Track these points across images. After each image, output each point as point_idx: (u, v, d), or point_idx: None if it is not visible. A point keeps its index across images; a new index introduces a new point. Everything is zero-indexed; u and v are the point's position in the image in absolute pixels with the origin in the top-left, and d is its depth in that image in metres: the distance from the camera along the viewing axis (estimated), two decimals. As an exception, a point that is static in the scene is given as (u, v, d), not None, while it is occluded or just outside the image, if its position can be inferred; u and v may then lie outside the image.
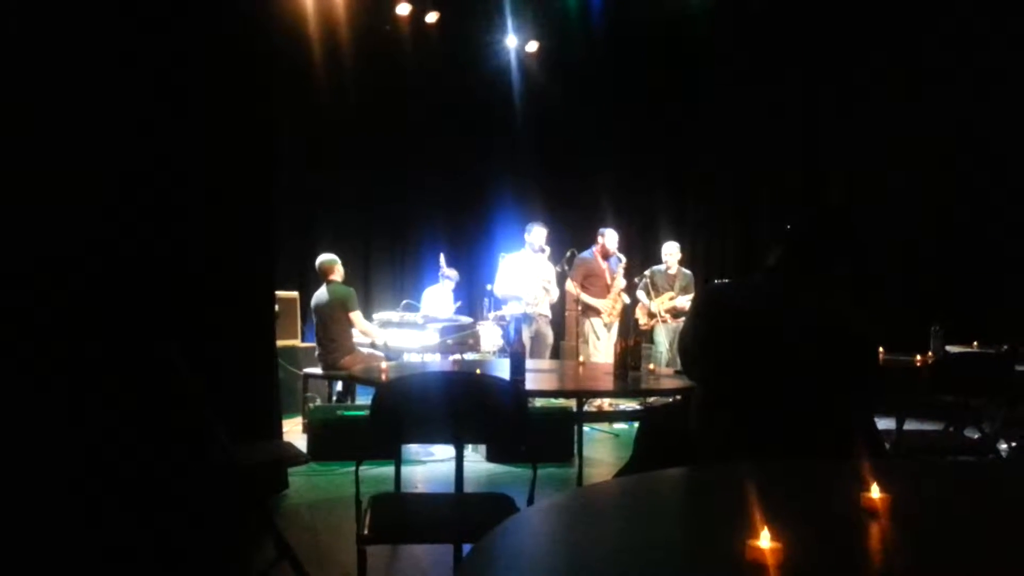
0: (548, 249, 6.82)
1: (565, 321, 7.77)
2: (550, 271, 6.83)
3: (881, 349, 4.11)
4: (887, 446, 3.26)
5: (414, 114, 8.59)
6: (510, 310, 6.69)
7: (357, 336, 6.09)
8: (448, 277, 7.21)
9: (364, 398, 6.02)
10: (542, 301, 6.75)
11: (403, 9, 8.02)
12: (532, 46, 8.90)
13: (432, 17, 8.16)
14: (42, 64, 3.03)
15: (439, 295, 7.20)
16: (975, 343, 5.16)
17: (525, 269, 6.70)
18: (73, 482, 2.89)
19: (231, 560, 3.23)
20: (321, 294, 6.01)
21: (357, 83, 8.00)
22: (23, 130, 2.94)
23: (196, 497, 3.21)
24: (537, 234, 6.75)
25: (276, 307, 5.53)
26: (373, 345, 6.21)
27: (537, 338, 6.68)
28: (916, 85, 7.29)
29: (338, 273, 6.08)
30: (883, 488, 1.32)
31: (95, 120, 3.15)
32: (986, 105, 7.03)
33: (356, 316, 5.98)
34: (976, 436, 3.79)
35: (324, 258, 6.14)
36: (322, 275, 6.08)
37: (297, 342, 6.90)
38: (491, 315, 7.01)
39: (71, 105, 3.10)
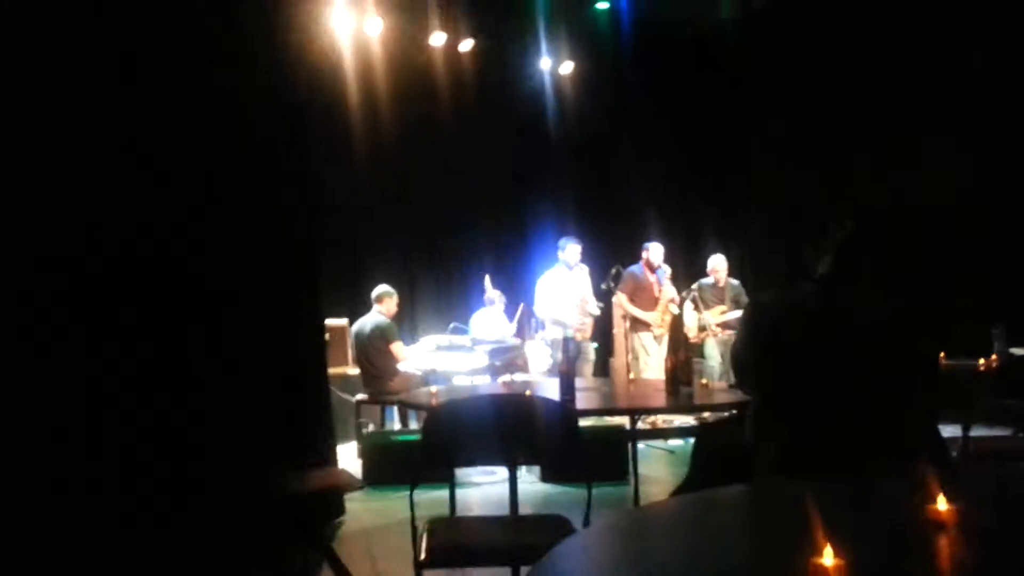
0: (586, 267, 6.78)
1: (613, 338, 7.71)
2: (588, 286, 6.78)
3: (942, 354, 4.00)
4: (953, 454, 3.16)
5: (451, 140, 8.67)
6: (549, 334, 6.68)
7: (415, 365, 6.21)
8: (491, 300, 7.22)
9: (416, 423, 6.05)
10: (587, 327, 6.72)
11: (437, 39, 8.14)
12: (567, 67, 8.93)
13: (466, 45, 8.26)
14: (102, 106, 3.14)
15: (489, 318, 7.21)
16: (1040, 344, 4.98)
17: (562, 288, 6.68)
18: (123, 510, 2.95)
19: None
20: (363, 324, 6.15)
21: (394, 112, 8.12)
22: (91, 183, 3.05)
23: (252, 527, 3.26)
24: (571, 251, 6.72)
25: (327, 335, 5.64)
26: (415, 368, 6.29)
27: (578, 355, 6.63)
28: (972, 80, 7.11)
29: (387, 305, 6.23)
30: (949, 499, 1.28)
31: (148, 149, 3.25)
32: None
33: (397, 347, 6.11)
34: (1047, 441, 3.65)
35: (382, 288, 6.33)
36: (375, 302, 6.25)
37: (348, 369, 6.98)
38: (538, 335, 7.00)
39: (126, 148, 3.20)
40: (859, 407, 2.05)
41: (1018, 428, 3.97)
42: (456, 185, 8.77)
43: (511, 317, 7.41)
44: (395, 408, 6.25)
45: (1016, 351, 4.78)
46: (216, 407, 3.21)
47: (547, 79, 9.02)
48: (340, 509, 4.38)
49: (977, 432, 3.53)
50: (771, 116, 8.35)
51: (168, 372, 3.21)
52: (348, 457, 5.73)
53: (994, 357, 4.50)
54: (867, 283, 2.21)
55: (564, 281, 6.69)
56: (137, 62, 3.26)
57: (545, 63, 8.87)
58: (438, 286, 9.02)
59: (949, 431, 3.21)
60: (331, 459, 4.44)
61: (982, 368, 4.23)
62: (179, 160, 3.39)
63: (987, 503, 1.51)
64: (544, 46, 8.74)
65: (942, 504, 1.28)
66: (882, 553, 1.21)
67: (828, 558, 1.05)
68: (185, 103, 3.44)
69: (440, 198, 8.75)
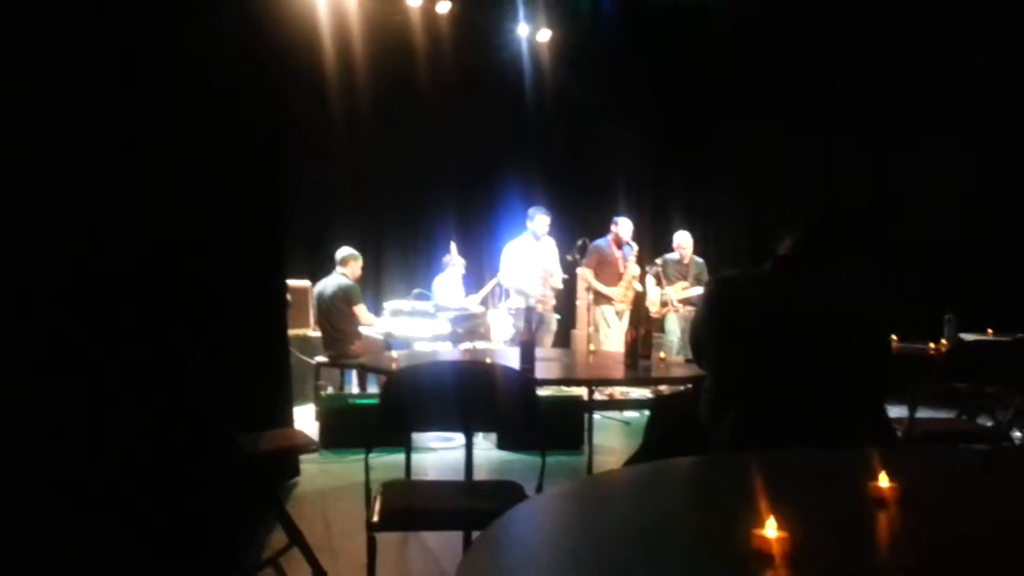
0: (553, 239, 6.78)
1: (575, 310, 7.76)
2: (554, 258, 6.78)
3: (894, 337, 4.09)
4: (899, 434, 3.25)
5: (425, 104, 8.57)
6: (513, 303, 6.67)
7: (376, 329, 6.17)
8: (446, 264, 7.19)
9: (375, 387, 6.05)
10: (549, 299, 6.73)
11: (415, 0, 8.00)
12: (544, 35, 8.85)
13: (444, 7, 8.13)
14: (53, 62, 3.03)
15: (448, 283, 7.19)
16: (989, 331, 5.12)
17: (528, 258, 6.67)
18: (75, 472, 2.91)
19: (242, 547, 3.26)
20: (325, 285, 6.08)
21: (367, 73, 8.00)
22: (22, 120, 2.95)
23: (205, 485, 3.24)
24: (540, 221, 6.69)
25: (288, 296, 5.57)
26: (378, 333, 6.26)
27: (541, 325, 6.65)
28: (924, 73, 7.22)
29: (351, 268, 6.15)
30: (892, 477, 1.31)
31: (97, 108, 3.15)
32: (1000, 89, 6.96)
33: (360, 310, 6.06)
34: (989, 424, 3.77)
35: (345, 251, 6.23)
36: (339, 265, 6.16)
37: (309, 331, 6.93)
38: (501, 304, 7.01)
39: (76, 100, 3.10)
40: (810, 386, 2.08)
41: (963, 411, 4.09)
42: (427, 149, 8.69)
43: (469, 284, 7.40)
44: (354, 372, 6.23)
45: (966, 337, 4.91)
46: (177, 370, 3.16)
47: (524, 46, 8.93)
48: (295, 470, 4.37)
49: (923, 414, 3.63)
50: (752, 94, 8.37)
51: (125, 332, 3.15)
52: (306, 419, 5.71)
53: (944, 342, 4.62)
54: (824, 266, 2.24)
55: (530, 251, 6.68)
56: (102, 19, 3.15)
57: (523, 30, 8.77)
58: (404, 251, 8.97)
59: (896, 412, 3.30)
60: (288, 420, 4.42)
61: (931, 352, 4.35)
62: (142, 117, 3.30)
63: (928, 482, 1.55)
64: (522, 12, 8.64)
65: (884, 482, 1.31)
66: (824, 527, 1.24)
67: (771, 530, 1.07)
68: (153, 59, 3.34)
69: (410, 162, 8.66)
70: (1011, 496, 1.51)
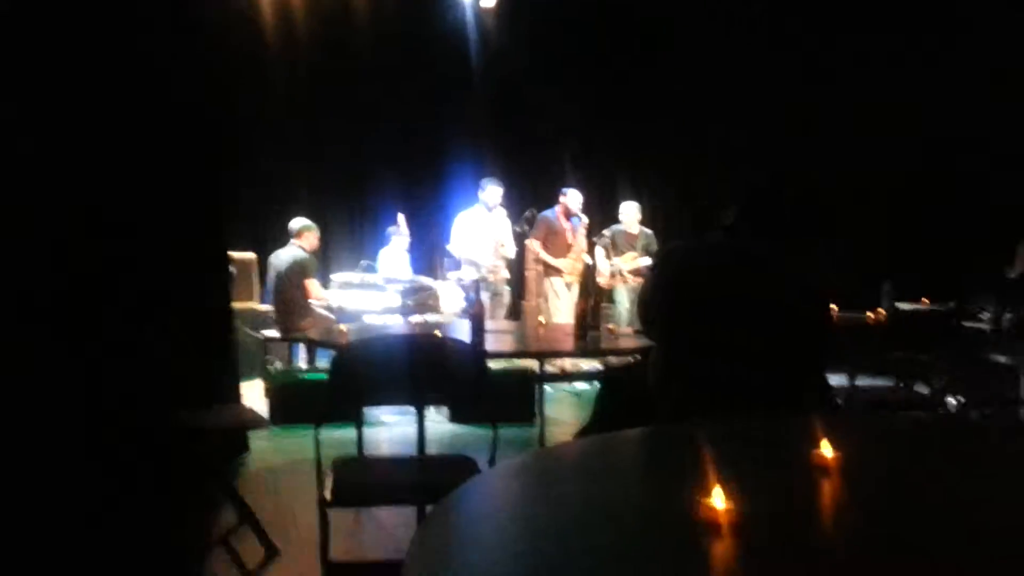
0: (505, 210, 6.74)
1: (525, 281, 7.77)
2: (506, 229, 6.76)
3: (834, 306, 4.20)
4: (839, 401, 3.35)
5: (368, 71, 8.41)
6: (466, 274, 6.64)
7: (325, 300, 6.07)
8: (391, 234, 7.11)
9: (324, 361, 5.98)
10: (500, 269, 6.72)
11: (357, -37, 7.81)
12: (489, 1, 8.72)
13: (387, -29, 7.95)
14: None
15: (393, 255, 7.12)
16: (924, 300, 5.29)
17: (479, 228, 6.64)
18: (21, 446, 2.83)
19: (191, 525, 3.21)
20: (281, 257, 5.92)
21: (309, 39, 7.81)
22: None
23: (152, 462, 3.18)
24: (491, 192, 6.65)
25: (232, 269, 5.44)
26: (328, 308, 6.15)
27: (494, 298, 6.66)
28: (868, 49, 7.37)
29: (307, 240, 5.97)
30: (834, 445, 1.35)
31: (44, 80, 3.03)
32: (935, 67, 7.15)
33: (312, 284, 5.91)
34: (926, 391, 3.91)
35: (301, 222, 6.02)
36: (293, 237, 5.96)
37: (256, 304, 6.80)
38: (450, 275, 6.98)
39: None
40: (754, 354, 2.13)
41: (900, 379, 4.23)
42: (372, 118, 8.54)
43: (415, 255, 7.34)
44: (302, 346, 6.13)
45: (902, 306, 5.07)
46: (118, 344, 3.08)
47: (468, 13, 8.79)
48: (244, 447, 4.31)
49: (862, 382, 3.75)
50: (698, 62, 8.41)
51: (68, 306, 3.05)
52: (254, 395, 5.63)
53: (881, 311, 4.76)
54: (768, 235, 2.28)
55: (482, 222, 6.64)
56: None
57: (467, -6, 8.63)
58: (351, 222, 8.84)
59: (836, 380, 3.39)
60: (235, 396, 4.35)
61: (870, 321, 4.48)
62: (77, 78, 3.17)
63: (870, 450, 1.60)
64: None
65: (826, 449, 1.35)
66: (768, 496, 1.27)
67: (718, 500, 1.09)
68: (95, 26, 3.20)
69: (356, 131, 8.51)
70: (947, 462, 1.57)
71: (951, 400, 4.23)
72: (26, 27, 2.99)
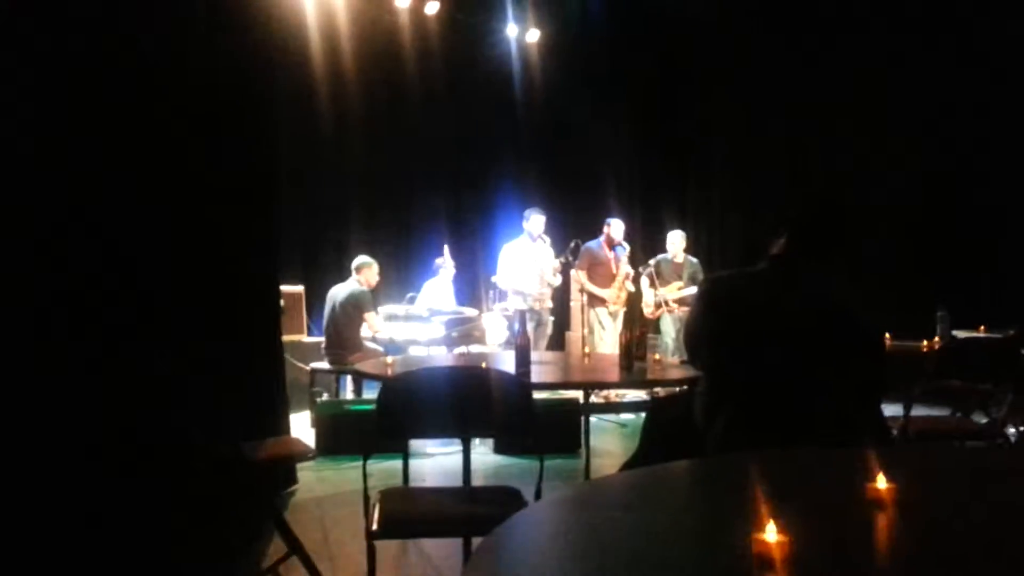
0: (548, 239, 6.77)
1: (570, 311, 7.76)
2: (550, 259, 6.79)
3: (887, 335, 4.11)
4: (894, 432, 3.26)
5: (415, 106, 8.57)
6: (513, 305, 6.67)
7: (364, 331, 6.16)
8: (439, 267, 7.18)
9: (371, 392, 6.04)
10: (546, 298, 6.74)
11: (403, 1, 8.00)
12: (533, 35, 8.85)
13: (432, 8, 8.13)
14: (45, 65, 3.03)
15: (438, 287, 7.19)
16: (981, 328, 5.14)
17: (525, 258, 6.67)
18: (74, 478, 2.90)
19: (240, 557, 3.25)
20: (340, 290, 6.12)
21: (357, 75, 7.99)
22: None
23: (203, 495, 3.23)
24: (535, 222, 6.70)
25: (282, 302, 5.56)
26: (374, 339, 6.25)
27: (538, 328, 6.66)
28: (921, 72, 7.26)
29: (366, 275, 6.21)
30: (888, 478, 1.32)
31: (93, 116, 3.15)
32: (990, 85, 7.01)
33: (371, 316, 6.11)
34: (984, 421, 3.78)
35: (361, 259, 6.31)
36: (355, 272, 6.23)
37: (303, 337, 6.91)
38: (496, 307, 7.01)
39: (69, 101, 3.09)
40: (804, 386, 2.09)
41: (956, 408, 4.10)
42: (418, 151, 8.68)
43: (460, 287, 7.39)
44: (349, 377, 6.22)
45: (959, 334, 4.93)
46: (171, 377, 3.15)
47: (513, 47, 8.93)
48: (292, 478, 4.36)
49: (917, 412, 3.65)
50: (744, 92, 8.39)
51: (120, 340, 3.13)
52: (301, 426, 5.69)
53: (937, 339, 4.64)
54: (818, 264, 2.25)
55: (527, 252, 6.69)
56: (94, 23, 3.14)
57: (511, 30, 8.77)
58: (397, 255, 8.96)
59: (891, 410, 3.30)
60: (284, 428, 4.41)
61: (925, 350, 4.37)
62: (136, 120, 3.29)
63: (925, 482, 1.56)
64: (511, 12, 8.65)
65: (881, 482, 1.32)
66: (823, 530, 1.24)
67: (771, 534, 1.07)
68: (146, 62, 3.33)
69: (401, 165, 8.65)
70: (1008, 494, 1.51)
71: (1011, 429, 4.09)
72: (87, 56, 3.11)
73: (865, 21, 7.58)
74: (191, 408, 3.33)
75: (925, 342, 4.52)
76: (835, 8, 7.74)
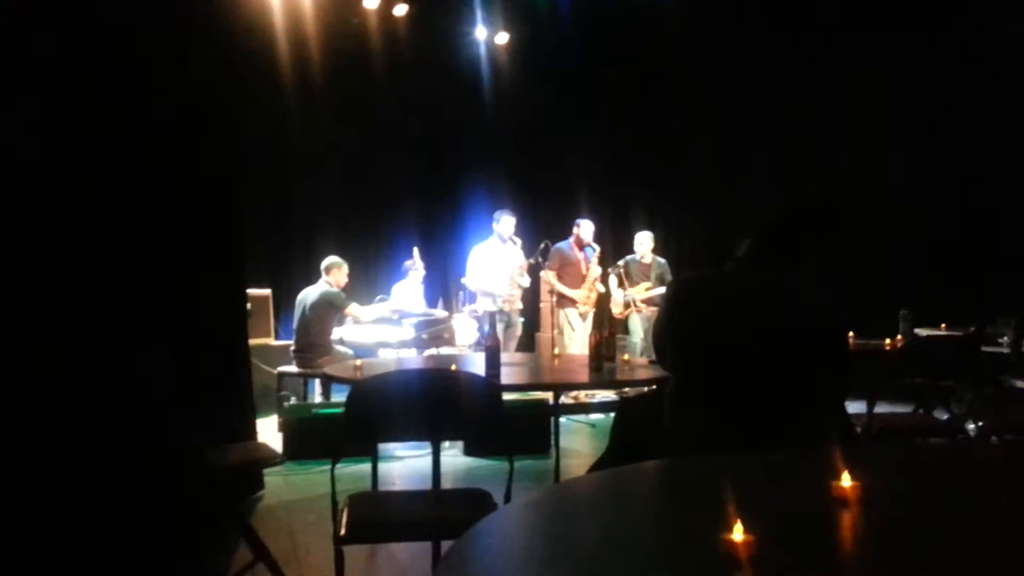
0: (519, 240, 6.77)
1: (540, 312, 7.77)
2: (520, 261, 6.79)
3: (851, 334, 4.17)
4: (858, 429, 3.31)
5: (384, 107, 8.53)
6: (483, 306, 6.65)
7: (334, 334, 6.14)
8: (407, 269, 7.16)
9: (339, 395, 5.99)
10: (516, 299, 6.73)
11: (371, 2, 7.95)
12: (502, 38, 8.85)
13: (401, 10, 8.09)
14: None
15: (409, 289, 7.16)
16: (943, 326, 5.24)
17: (495, 260, 6.66)
18: (36, 484, 2.83)
19: (206, 563, 3.20)
20: (311, 292, 6.06)
21: (325, 77, 7.93)
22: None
23: (168, 500, 3.17)
24: (505, 223, 6.68)
25: (248, 305, 5.49)
26: (341, 341, 6.20)
27: (507, 329, 6.66)
28: (884, 73, 7.39)
29: (335, 276, 6.13)
30: (853, 476, 1.33)
31: (55, 114, 3.08)
32: (958, 90, 7.16)
33: (353, 308, 6.12)
34: (945, 417, 3.86)
35: (331, 260, 6.23)
36: (324, 272, 6.16)
37: (271, 340, 6.84)
38: (465, 308, 6.99)
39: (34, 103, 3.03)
40: (771, 386, 2.11)
41: (919, 405, 4.17)
42: (386, 153, 8.64)
43: (430, 288, 7.37)
44: (317, 381, 6.16)
45: (921, 332, 5.02)
46: (135, 380, 3.09)
47: (482, 49, 8.92)
48: (259, 484, 4.30)
49: (881, 409, 3.71)
50: (712, 93, 8.45)
51: (83, 343, 3.07)
52: (268, 431, 5.63)
53: (899, 338, 4.72)
54: (783, 265, 2.27)
55: (497, 253, 6.68)
56: (65, 18, 3.07)
57: (480, 32, 8.76)
58: (367, 257, 8.90)
59: (854, 408, 3.36)
60: (251, 432, 4.36)
61: (888, 348, 4.44)
62: (98, 122, 3.22)
63: (890, 479, 1.58)
64: (480, 15, 8.64)
65: (847, 481, 1.33)
66: (789, 529, 1.25)
67: (738, 534, 1.08)
68: (112, 63, 3.27)
69: (371, 168, 8.60)
70: (970, 489, 1.54)
71: (971, 426, 4.17)
72: (60, 54, 3.05)
73: (840, 21, 7.68)
74: (156, 413, 3.27)
75: (888, 340, 4.60)
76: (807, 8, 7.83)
